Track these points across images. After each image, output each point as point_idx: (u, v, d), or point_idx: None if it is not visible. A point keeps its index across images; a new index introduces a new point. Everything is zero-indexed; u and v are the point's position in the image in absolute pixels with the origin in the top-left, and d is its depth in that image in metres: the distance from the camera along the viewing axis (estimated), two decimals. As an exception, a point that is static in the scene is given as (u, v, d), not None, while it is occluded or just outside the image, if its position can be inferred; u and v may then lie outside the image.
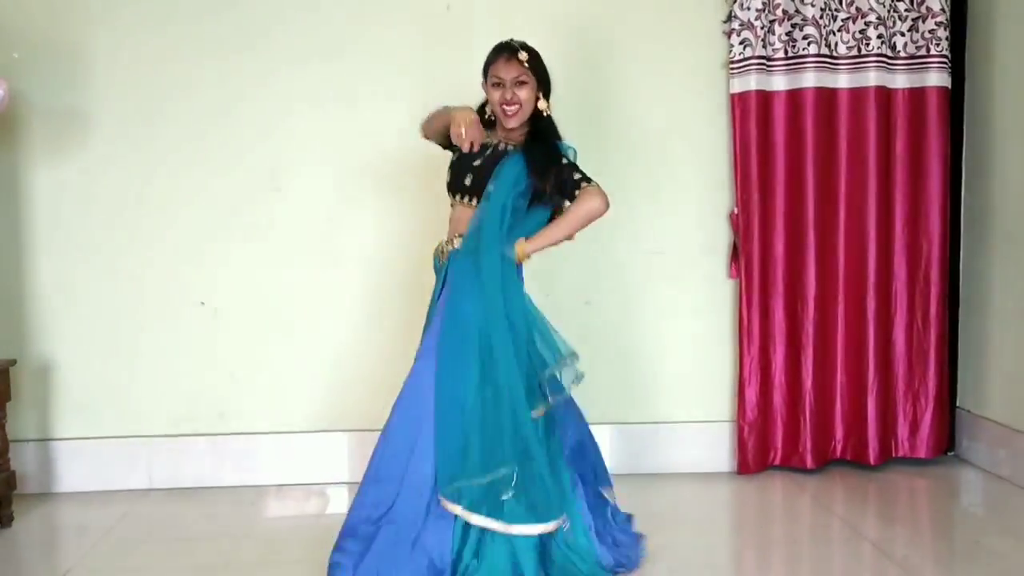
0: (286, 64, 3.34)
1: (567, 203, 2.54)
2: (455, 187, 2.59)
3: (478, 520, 2.34)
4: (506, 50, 2.54)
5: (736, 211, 3.43)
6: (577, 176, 2.55)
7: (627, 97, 3.45)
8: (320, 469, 3.41)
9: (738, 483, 3.43)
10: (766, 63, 3.38)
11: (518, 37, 3.37)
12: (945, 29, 3.42)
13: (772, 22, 3.37)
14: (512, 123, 2.55)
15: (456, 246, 2.55)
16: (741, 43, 3.36)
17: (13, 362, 3.11)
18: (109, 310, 3.33)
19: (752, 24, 3.36)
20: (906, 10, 3.42)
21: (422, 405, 2.43)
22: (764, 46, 3.38)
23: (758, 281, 3.42)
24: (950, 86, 3.48)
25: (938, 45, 3.42)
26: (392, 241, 3.39)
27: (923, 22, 3.43)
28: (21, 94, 3.16)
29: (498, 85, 2.53)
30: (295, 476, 3.40)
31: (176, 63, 3.31)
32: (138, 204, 3.33)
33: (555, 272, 3.45)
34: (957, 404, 3.66)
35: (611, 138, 3.46)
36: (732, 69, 3.38)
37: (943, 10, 3.41)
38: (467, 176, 2.56)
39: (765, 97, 3.39)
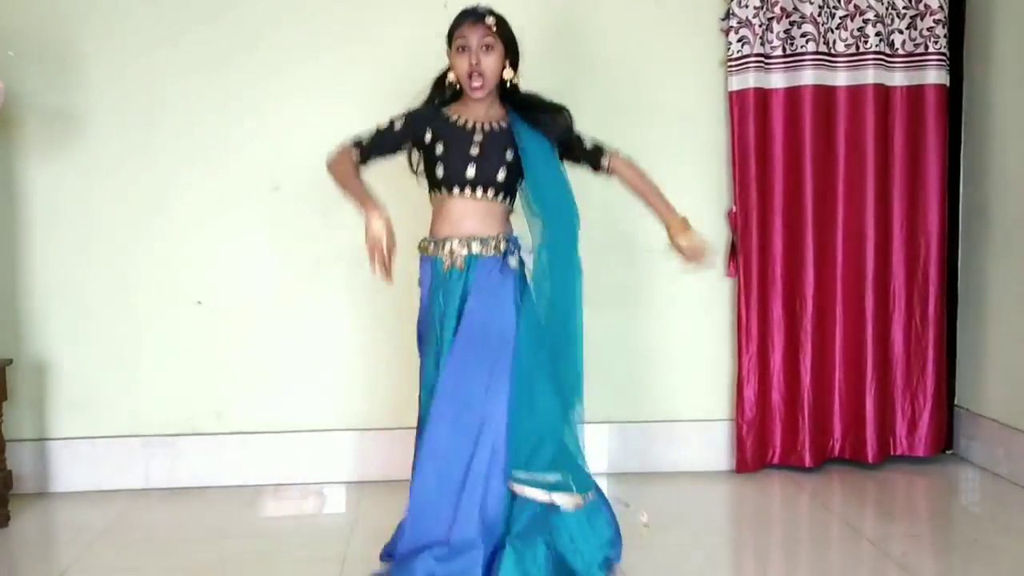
0: (283, 63, 3.33)
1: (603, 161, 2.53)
2: (454, 180, 2.39)
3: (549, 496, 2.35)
4: (471, 14, 2.36)
5: (734, 209, 3.42)
6: (589, 138, 2.52)
7: (624, 95, 3.44)
8: (318, 469, 3.40)
9: (736, 482, 3.43)
10: (764, 61, 3.37)
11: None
12: (943, 27, 3.42)
13: (770, 20, 3.36)
14: (479, 93, 2.37)
15: (475, 251, 2.37)
16: (739, 41, 3.36)
17: (9, 361, 3.10)
18: (106, 309, 3.32)
19: (750, 22, 3.35)
20: (904, 7, 3.42)
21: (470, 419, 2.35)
22: (762, 44, 3.37)
23: (756, 279, 3.42)
24: (948, 84, 3.47)
25: (936, 43, 3.41)
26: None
27: (921, 20, 3.42)
28: (17, 94, 3.15)
29: (464, 49, 2.35)
30: (293, 476, 3.39)
31: (172, 63, 3.29)
32: (135, 203, 3.32)
33: (553, 270, 3.45)
34: (955, 402, 3.66)
35: (607, 136, 3.44)
36: (730, 67, 3.38)
37: (941, 7, 3.41)
38: (469, 166, 2.38)
39: (763, 95, 3.38)
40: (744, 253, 3.41)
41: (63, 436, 3.34)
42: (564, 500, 2.36)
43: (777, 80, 3.39)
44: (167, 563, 2.72)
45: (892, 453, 3.56)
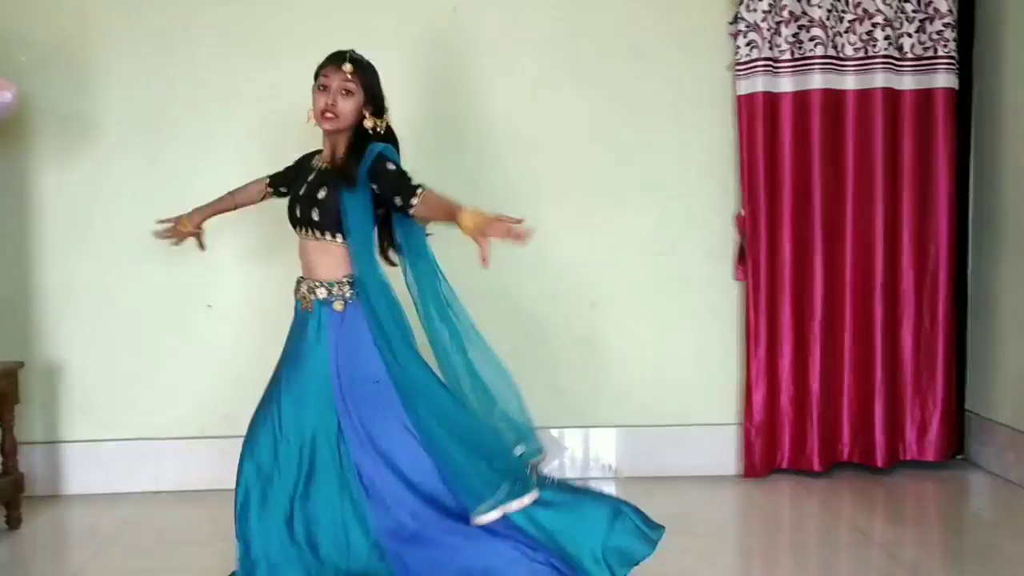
0: (293, 68, 3.31)
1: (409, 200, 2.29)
2: (291, 220, 2.43)
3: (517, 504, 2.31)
4: (338, 58, 2.36)
5: (743, 213, 3.42)
6: (412, 182, 2.32)
7: (632, 99, 3.44)
8: (327, 472, 3.41)
9: (745, 486, 3.43)
10: (773, 64, 3.38)
11: (523, 40, 3.39)
12: (952, 30, 3.41)
13: (779, 23, 3.36)
14: (327, 125, 2.35)
15: (320, 296, 2.36)
16: (747, 45, 3.36)
17: (21, 364, 3.12)
18: (116, 313, 3.34)
19: (758, 25, 3.35)
20: (913, 11, 3.41)
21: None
22: (771, 47, 3.37)
23: (765, 283, 3.42)
24: (958, 87, 3.46)
25: (945, 46, 3.41)
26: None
27: (930, 23, 3.42)
28: (29, 98, 3.18)
29: (324, 89, 2.34)
30: (302, 479, 3.40)
31: (182, 67, 3.32)
32: (145, 207, 3.31)
33: (561, 274, 3.46)
34: (965, 407, 3.65)
35: (616, 140, 3.46)
36: (738, 71, 3.38)
37: (951, 11, 3.40)
38: (295, 207, 2.40)
39: (772, 99, 3.38)
40: (752, 257, 3.41)
41: (74, 439, 3.36)
42: (515, 505, 2.32)
43: (785, 84, 3.39)
44: (177, 565, 2.74)
45: (902, 458, 3.54)
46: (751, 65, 3.36)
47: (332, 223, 2.34)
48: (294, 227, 2.45)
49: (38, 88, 3.23)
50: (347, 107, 2.34)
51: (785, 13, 3.35)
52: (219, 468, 3.37)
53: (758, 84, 3.36)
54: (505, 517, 2.30)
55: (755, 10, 3.35)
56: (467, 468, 2.33)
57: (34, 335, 3.32)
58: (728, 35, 3.42)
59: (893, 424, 3.50)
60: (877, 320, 3.45)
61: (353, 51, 2.40)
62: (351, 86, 2.35)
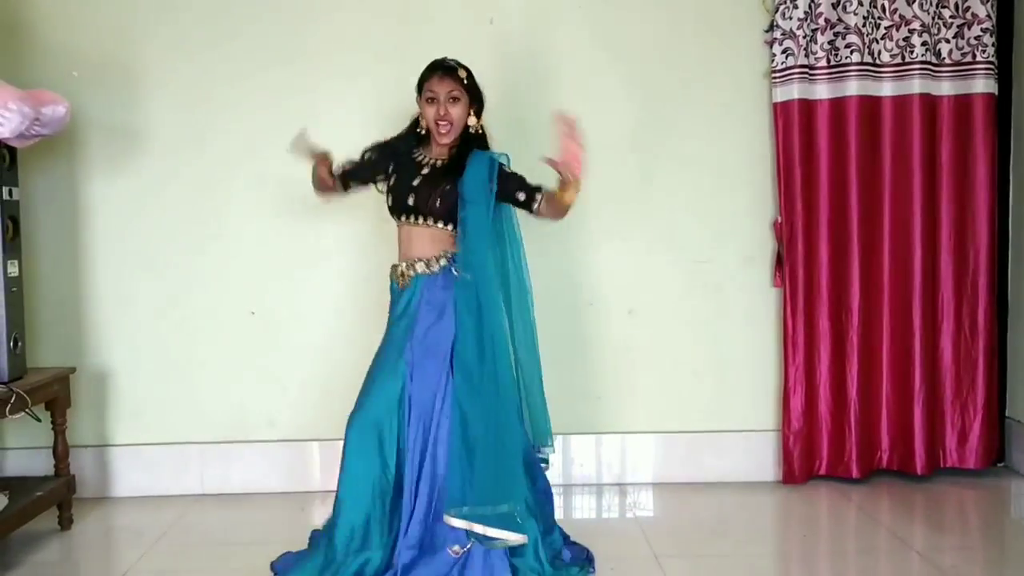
0: (334, 79, 3.41)
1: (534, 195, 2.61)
2: (399, 208, 2.62)
3: (485, 530, 2.43)
4: (441, 67, 2.60)
5: (780, 220, 3.42)
6: (529, 181, 2.62)
7: (669, 107, 3.46)
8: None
9: (783, 493, 3.42)
10: (809, 72, 3.38)
11: (559, 50, 3.43)
12: (991, 35, 3.39)
13: (814, 31, 3.37)
14: (446, 139, 2.60)
15: (419, 271, 2.60)
16: (783, 52, 3.37)
17: (72, 370, 3.21)
18: (163, 319, 3.43)
19: (794, 33, 3.36)
20: (951, 17, 3.40)
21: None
22: (806, 55, 3.38)
23: (802, 290, 3.42)
24: (997, 93, 3.44)
25: (984, 51, 3.39)
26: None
27: (968, 28, 3.40)
28: (80, 111, 3.27)
29: (432, 100, 2.58)
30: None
31: (227, 81, 3.39)
32: (191, 216, 3.42)
33: (599, 281, 3.48)
34: (1006, 414, 3.61)
35: (654, 148, 3.48)
36: (774, 78, 3.39)
37: (989, 16, 3.39)
38: (409, 196, 2.60)
39: (808, 106, 3.39)
40: (790, 264, 3.41)
41: (122, 443, 3.44)
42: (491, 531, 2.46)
43: (822, 91, 3.39)
44: (222, 567, 2.80)
45: (941, 465, 3.51)
46: (787, 72, 3.37)
47: (448, 214, 2.58)
48: (402, 215, 2.63)
49: (89, 102, 3.33)
50: (457, 113, 2.59)
51: (821, 20, 3.36)
52: (262, 471, 3.47)
53: (794, 91, 3.37)
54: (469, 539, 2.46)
55: (791, 18, 3.36)
56: (482, 464, 2.46)
57: (85, 342, 3.42)
58: (764, 43, 3.43)
59: (933, 431, 3.47)
60: (916, 326, 3.43)
61: (448, 58, 2.62)
62: (459, 92, 2.58)
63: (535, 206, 2.60)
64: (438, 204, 2.57)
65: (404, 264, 2.64)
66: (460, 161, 2.60)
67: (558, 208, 2.57)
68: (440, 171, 2.61)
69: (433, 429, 2.52)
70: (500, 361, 2.53)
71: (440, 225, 2.59)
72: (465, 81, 2.60)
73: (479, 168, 2.58)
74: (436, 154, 2.66)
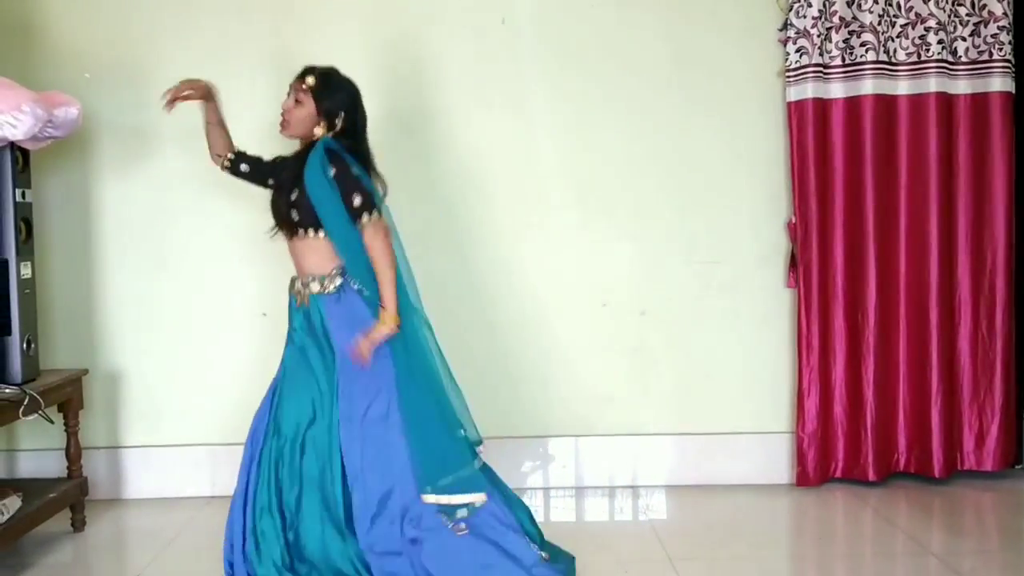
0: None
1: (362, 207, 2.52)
2: (282, 225, 2.63)
3: (458, 499, 2.52)
4: (303, 71, 2.62)
5: (794, 220, 3.40)
6: (361, 195, 2.51)
7: (682, 107, 3.45)
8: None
9: (798, 495, 3.39)
10: (823, 71, 3.36)
11: (570, 50, 3.42)
12: (1008, 33, 3.36)
13: (829, 29, 3.35)
14: (282, 131, 2.63)
15: (314, 290, 2.58)
16: (797, 51, 3.34)
17: (85, 372, 3.22)
18: (175, 321, 3.43)
19: (808, 32, 3.34)
20: (967, 15, 3.37)
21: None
22: (821, 54, 3.35)
23: (817, 290, 3.39)
24: (1014, 91, 3.41)
25: (1001, 49, 3.36)
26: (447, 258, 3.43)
27: (985, 26, 3.37)
28: (92, 113, 3.28)
29: (288, 94, 2.62)
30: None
31: (237, 82, 3.39)
32: (201, 218, 3.42)
33: (611, 282, 3.47)
34: (1025, 416, 3.58)
35: (667, 148, 3.46)
36: (788, 77, 3.36)
37: (1005, 14, 3.36)
38: (291, 212, 2.57)
39: (822, 105, 3.36)
40: (804, 264, 3.39)
41: (135, 444, 3.45)
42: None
43: (836, 90, 3.37)
44: (234, 568, 2.79)
45: (959, 468, 3.48)
46: (801, 71, 3.34)
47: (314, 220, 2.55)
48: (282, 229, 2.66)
49: (101, 104, 3.34)
50: (297, 114, 2.60)
51: (835, 19, 3.33)
52: (274, 473, 3.44)
53: (808, 90, 3.34)
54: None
55: (805, 16, 3.34)
56: (439, 447, 2.54)
57: (97, 343, 3.42)
58: (778, 42, 3.41)
59: (950, 433, 3.44)
60: (933, 327, 3.40)
61: (323, 66, 2.62)
62: (303, 97, 2.59)
63: (361, 222, 2.50)
64: (292, 212, 2.56)
65: (301, 282, 2.65)
66: (301, 161, 2.56)
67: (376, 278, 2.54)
68: (288, 176, 2.61)
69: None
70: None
71: (308, 235, 2.57)
72: (310, 89, 2.58)
73: (313, 159, 2.53)
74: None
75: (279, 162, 2.77)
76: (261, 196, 3.40)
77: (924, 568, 2.74)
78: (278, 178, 2.69)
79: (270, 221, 3.37)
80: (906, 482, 3.46)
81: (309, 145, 2.59)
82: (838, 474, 3.44)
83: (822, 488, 3.42)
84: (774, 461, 3.50)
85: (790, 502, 3.36)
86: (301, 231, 2.57)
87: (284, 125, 2.63)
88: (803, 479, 3.42)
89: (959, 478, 3.47)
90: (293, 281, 2.69)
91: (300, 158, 2.60)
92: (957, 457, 3.48)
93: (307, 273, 2.60)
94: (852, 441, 3.43)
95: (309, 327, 2.62)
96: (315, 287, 2.58)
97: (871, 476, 3.40)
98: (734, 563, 2.77)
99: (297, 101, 2.60)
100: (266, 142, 2.94)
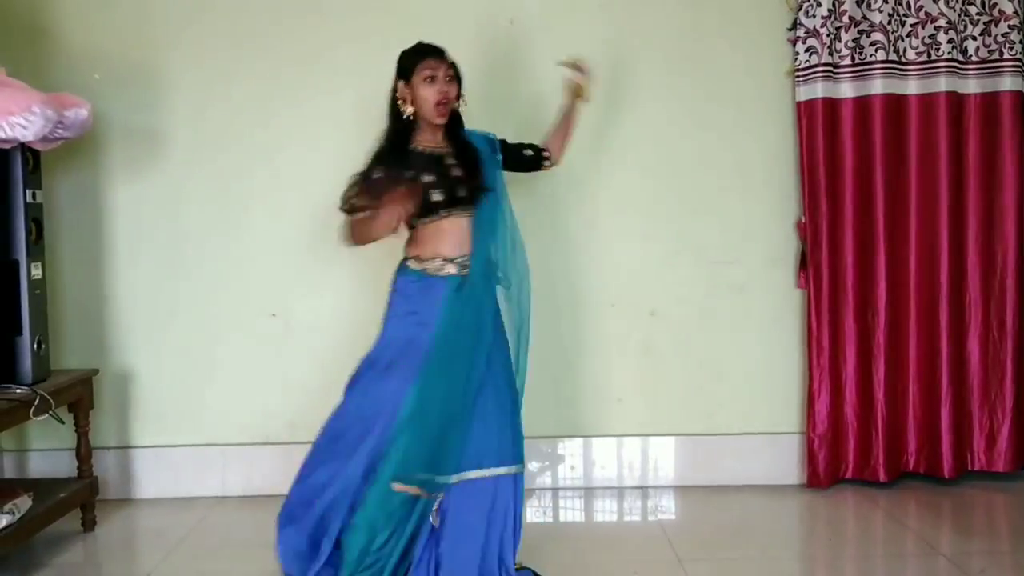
0: (355, 80, 3.40)
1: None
2: (451, 204, 2.57)
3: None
4: (434, 50, 2.61)
5: (803, 220, 3.39)
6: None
7: (691, 107, 3.44)
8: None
9: (808, 496, 3.38)
10: (833, 70, 3.35)
11: (580, 50, 3.41)
12: (1019, 32, 3.35)
13: (838, 29, 3.34)
14: (442, 120, 2.59)
15: (466, 272, 2.60)
16: (807, 51, 3.34)
17: (95, 372, 3.23)
18: (185, 322, 3.44)
19: (818, 31, 3.33)
20: (977, 14, 3.36)
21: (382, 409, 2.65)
22: (830, 53, 3.34)
23: (827, 291, 3.38)
24: (1025, 90, 3.41)
25: (1011, 49, 3.35)
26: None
27: (995, 26, 3.36)
28: (102, 114, 3.28)
29: (432, 79, 2.56)
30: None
31: (248, 83, 3.40)
32: (212, 218, 3.43)
33: (621, 283, 3.47)
34: (1036, 416, 3.56)
35: (675, 148, 3.46)
36: (798, 77, 3.36)
37: (1016, 13, 3.34)
38: (460, 189, 2.58)
39: (832, 104, 3.35)
40: (814, 264, 3.38)
41: (145, 444, 3.46)
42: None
43: (846, 89, 3.36)
44: (244, 568, 2.80)
45: (970, 468, 3.47)
46: (811, 71, 3.34)
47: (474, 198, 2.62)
48: (451, 208, 2.58)
49: (111, 105, 3.34)
50: (454, 93, 2.61)
51: (845, 18, 3.33)
52: (283, 473, 3.43)
53: (818, 90, 3.33)
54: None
55: (814, 16, 3.33)
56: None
57: (107, 343, 3.43)
58: (787, 41, 3.40)
59: (960, 434, 3.43)
60: (943, 327, 3.39)
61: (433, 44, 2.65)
62: (452, 73, 2.61)
63: (544, 152, 2.83)
64: (466, 192, 2.60)
65: (453, 258, 2.63)
66: (469, 144, 2.65)
67: (569, 124, 2.87)
68: (468, 156, 2.64)
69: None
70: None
71: (472, 213, 2.63)
72: (454, 64, 2.62)
73: (483, 147, 2.65)
74: (430, 142, 2.63)
75: (389, 156, 2.62)
76: (271, 198, 3.43)
77: (934, 569, 2.73)
78: (424, 165, 2.60)
79: (279, 223, 3.41)
80: (916, 483, 3.45)
81: (448, 126, 2.63)
82: (848, 475, 3.43)
83: (832, 489, 3.41)
84: (784, 462, 3.49)
85: (800, 503, 3.35)
86: (473, 208, 2.62)
87: (446, 112, 2.59)
88: (813, 480, 3.41)
89: (969, 479, 3.46)
90: (450, 261, 2.61)
91: (447, 133, 2.64)
92: (967, 458, 3.47)
93: (466, 254, 2.62)
94: (863, 442, 3.42)
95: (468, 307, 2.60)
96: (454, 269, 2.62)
97: (882, 477, 3.39)
98: (744, 564, 2.76)
99: (452, 77, 2.61)
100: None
